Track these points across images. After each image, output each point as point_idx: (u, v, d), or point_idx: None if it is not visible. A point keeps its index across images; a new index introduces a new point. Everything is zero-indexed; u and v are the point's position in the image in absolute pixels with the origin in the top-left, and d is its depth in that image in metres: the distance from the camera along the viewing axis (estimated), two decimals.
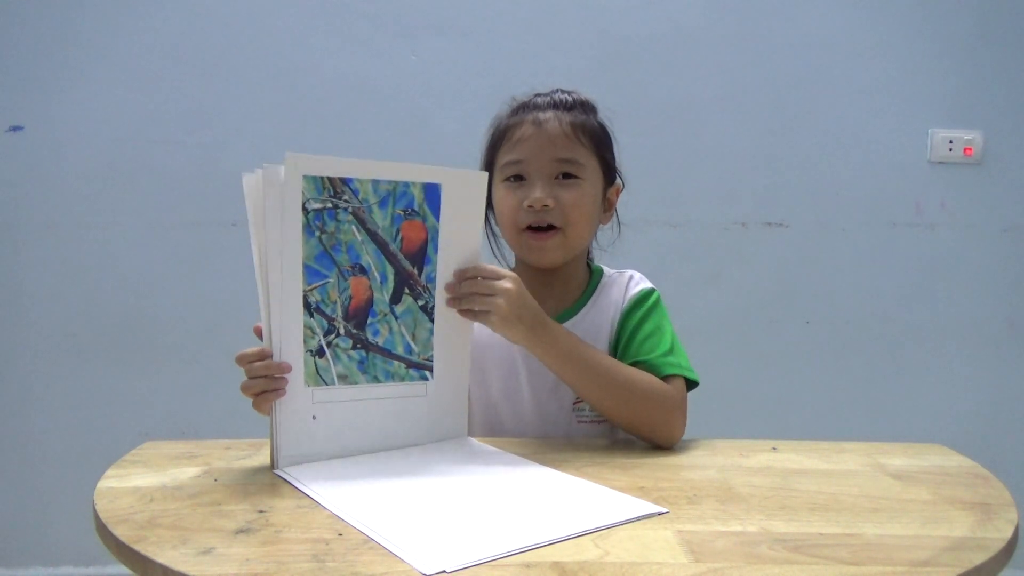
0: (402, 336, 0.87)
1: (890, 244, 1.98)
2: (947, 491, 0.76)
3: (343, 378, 0.83)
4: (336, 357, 0.83)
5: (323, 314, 0.81)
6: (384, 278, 0.85)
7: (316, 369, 0.82)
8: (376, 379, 0.86)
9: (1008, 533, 0.65)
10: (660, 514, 0.68)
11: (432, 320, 0.88)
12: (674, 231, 1.96)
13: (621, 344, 1.02)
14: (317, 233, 0.79)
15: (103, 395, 1.94)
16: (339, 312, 0.82)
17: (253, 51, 1.91)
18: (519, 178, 1.01)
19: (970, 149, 1.95)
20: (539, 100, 1.05)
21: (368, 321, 0.84)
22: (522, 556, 0.58)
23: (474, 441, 0.92)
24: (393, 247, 0.85)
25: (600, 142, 1.04)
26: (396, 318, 0.86)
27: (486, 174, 0.89)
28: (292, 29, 1.91)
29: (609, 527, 0.65)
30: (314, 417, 0.82)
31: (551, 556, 0.59)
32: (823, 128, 1.96)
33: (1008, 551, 0.64)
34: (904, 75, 1.95)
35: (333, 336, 0.82)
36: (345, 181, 0.80)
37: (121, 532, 0.63)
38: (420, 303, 0.88)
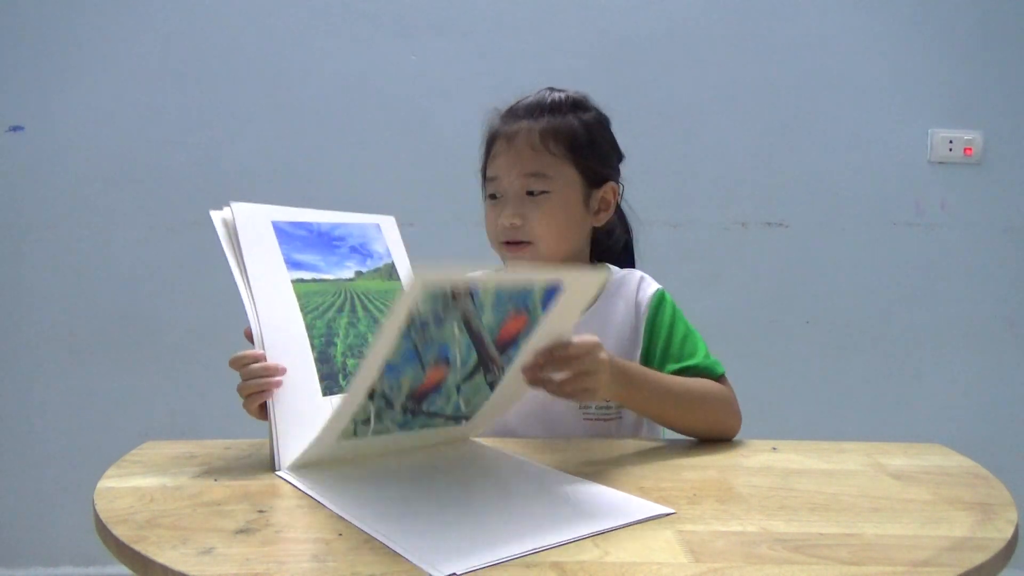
0: (456, 404, 0.82)
1: (890, 244, 1.98)
2: (947, 491, 0.76)
3: (378, 433, 0.78)
4: (379, 420, 0.77)
5: (385, 398, 0.74)
6: (465, 363, 0.77)
7: (355, 430, 0.76)
8: (410, 430, 0.81)
9: (1008, 533, 0.65)
10: (667, 515, 0.68)
11: (492, 391, 0.82)
12: (674, 231, 1.96)
13: (658, 349, 1.02)
14: (414, 337, 0.69)
15: (103, 395, 1.94)
16: (403, 394, 0.75)
17: (253, 51, 1.91)
18: (495, 196, 1.04)
19: (970, 149, 1.95)
20: (517, 107, 1.05)
21: (431, 397, 0.78)
22: (522, 556, 0.58)
23: (478, 442, 0.92)
24: (488, 339, 0.75)
25: (576, 145, 1.02)
26: (459, 392, 0.80)
27: (604, 275, 0.83)
28: (292, 29, 1.91)
29: (619, 528, 0.64)
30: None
31: (551, 556, 0.59)
32: (823, 128, 1.96)
33: (1008, 551, 0.64)
34: (904, 75, 1.95)
35: (386, 409, 0.76)
36: (470, 292, 0.70)
37: (121, 532, 0.63)
38: (488, 380, 0.81)
